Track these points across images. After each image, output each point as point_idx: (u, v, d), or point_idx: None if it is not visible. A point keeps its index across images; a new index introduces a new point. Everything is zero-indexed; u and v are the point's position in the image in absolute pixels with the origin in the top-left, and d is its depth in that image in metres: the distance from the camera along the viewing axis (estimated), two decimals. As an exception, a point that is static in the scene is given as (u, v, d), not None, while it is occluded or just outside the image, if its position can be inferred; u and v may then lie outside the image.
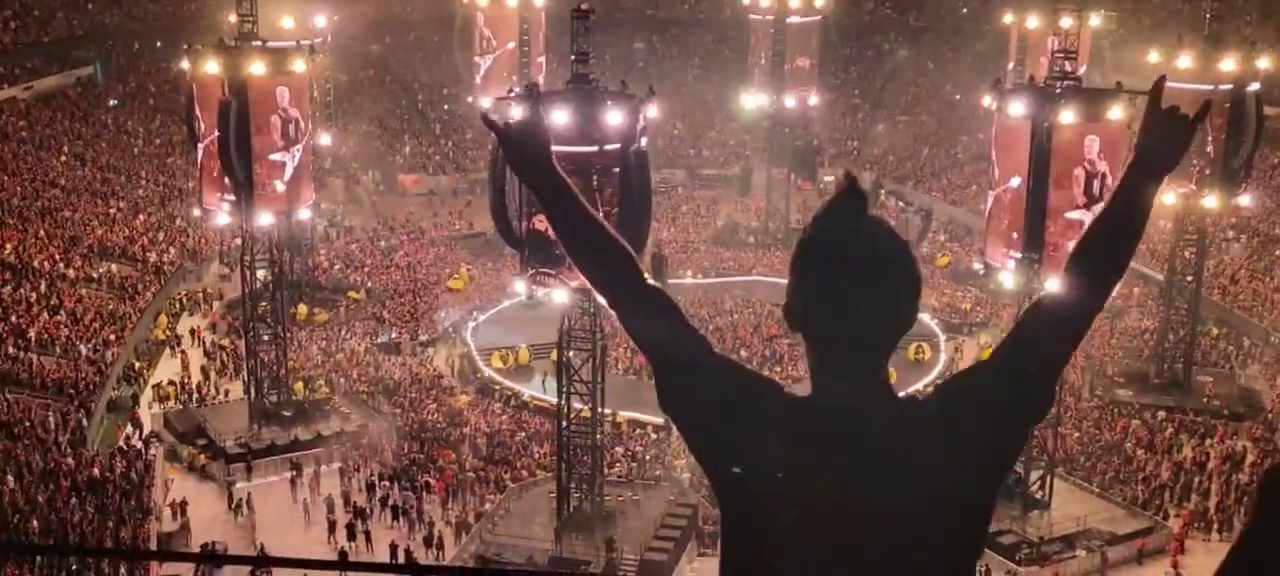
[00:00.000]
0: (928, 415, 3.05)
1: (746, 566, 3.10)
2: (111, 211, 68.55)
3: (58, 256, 60.27)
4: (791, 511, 2.97)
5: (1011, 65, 68.27)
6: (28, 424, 44.47)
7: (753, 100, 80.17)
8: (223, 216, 49.16)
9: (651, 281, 3.27)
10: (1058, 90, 41.96)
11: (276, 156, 46.98)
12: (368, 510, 43.33)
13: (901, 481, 2.94)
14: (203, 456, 46.71)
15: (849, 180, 3.16)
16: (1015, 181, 42.56)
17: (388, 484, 44.95)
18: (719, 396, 3.10)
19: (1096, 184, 41.02)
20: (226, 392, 53.60)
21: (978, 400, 3.06)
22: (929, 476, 2.96)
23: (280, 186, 47.30)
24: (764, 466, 3.00)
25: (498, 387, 55.57)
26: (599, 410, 41.87)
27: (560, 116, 37.91)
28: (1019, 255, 42.29)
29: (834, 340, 3.08)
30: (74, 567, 34.30)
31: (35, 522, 36.54)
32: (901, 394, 3.17)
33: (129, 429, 48.77)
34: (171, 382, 53.34)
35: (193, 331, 59.98)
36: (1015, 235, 42.57)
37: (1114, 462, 47.41)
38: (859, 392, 3.05)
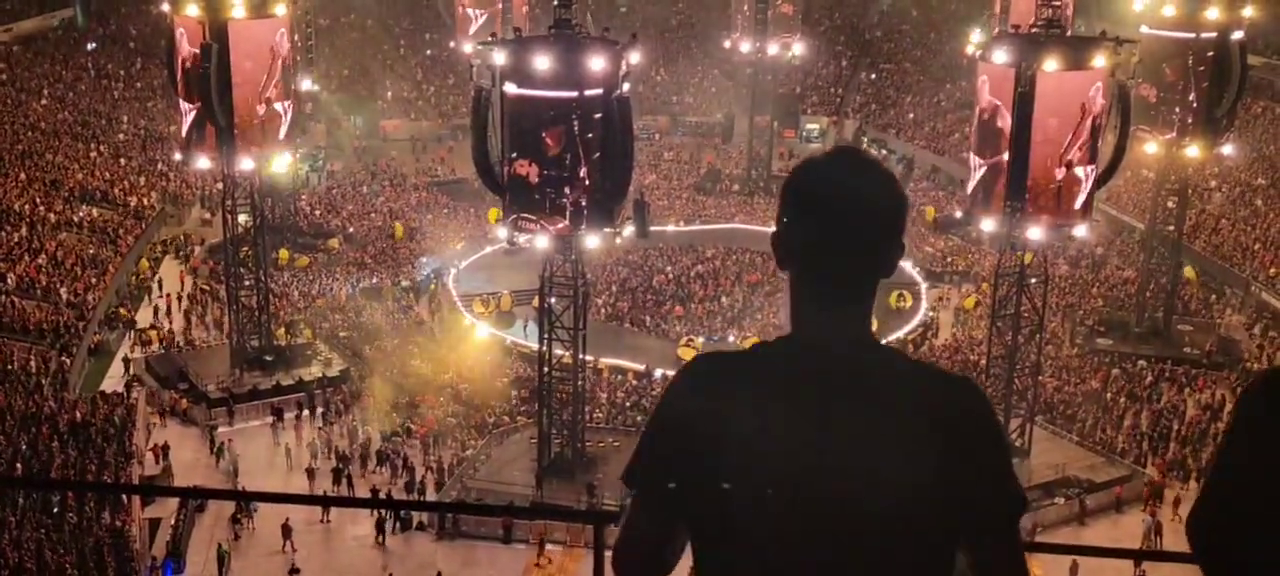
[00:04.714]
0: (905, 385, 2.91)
1: (718, 538, 2.99)
2: (92, 155, 68.19)
3: (38, 200, 59.94)
4: (764, 475, 2.86)
5: (996, 15, 67.87)
6: (10, 367, 44.38)
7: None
8: (203, 161, 48.88)
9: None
10: (1042, 39, 41.71)
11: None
12: (349, 455, 43.42)
13: (873, 442, 2.83)
14: (184, 401, 46.70)
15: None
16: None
17: (369, 429, 45.03)
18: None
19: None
20: (208, 338, 53.55)
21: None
22: (900, 445, 2.83)
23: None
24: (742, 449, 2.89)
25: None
26: (580, 356, 41.93)
27: (542, 62, 37.76)
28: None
29: (817, 270, 2.95)
30: (56, 509, 34.33)
31: (19, 467, 36.54)
32: (886, 343, 3.03)
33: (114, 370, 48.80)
34: (154, 327, 53.21)
35: (179, 272, 59.97)
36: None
37: (1093, 411, 47.66)
38: (839, 328, 2.94)
